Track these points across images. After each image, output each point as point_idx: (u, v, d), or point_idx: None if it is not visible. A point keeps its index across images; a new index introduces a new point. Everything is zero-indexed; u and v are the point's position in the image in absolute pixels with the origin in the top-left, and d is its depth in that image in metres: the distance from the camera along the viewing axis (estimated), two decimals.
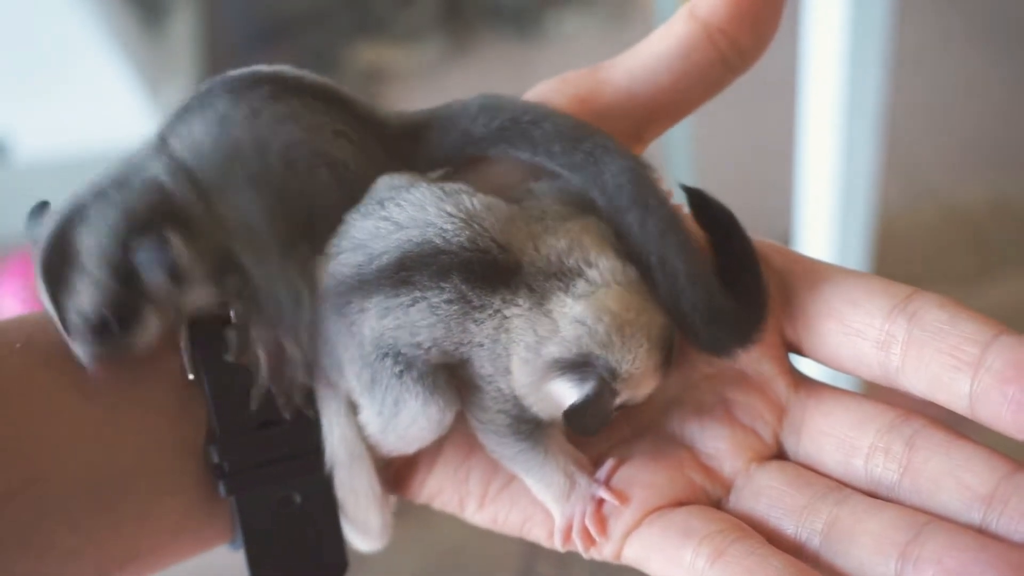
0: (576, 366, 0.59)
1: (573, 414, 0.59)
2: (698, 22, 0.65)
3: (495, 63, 2.58)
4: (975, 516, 0.55)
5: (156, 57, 2.34)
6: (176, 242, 0.60)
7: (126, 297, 0.60)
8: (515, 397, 0.61)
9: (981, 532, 0.55)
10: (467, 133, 0.66)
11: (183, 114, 0.64)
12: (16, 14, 2.15)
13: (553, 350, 0.59)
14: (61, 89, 2.22)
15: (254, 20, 2.64)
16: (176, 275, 0.60)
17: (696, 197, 0.65)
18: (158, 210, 0.60)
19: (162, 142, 0.63)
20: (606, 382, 0.59)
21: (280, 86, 0.65)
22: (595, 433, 0.61)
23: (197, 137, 0.62)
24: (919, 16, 2.39)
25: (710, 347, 0.62)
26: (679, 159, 1.62)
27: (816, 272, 0.62)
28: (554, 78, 0.68)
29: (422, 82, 2.53)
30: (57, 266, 0.60)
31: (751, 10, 0.64)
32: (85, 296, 0.60)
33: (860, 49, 1.26)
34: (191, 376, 0.64)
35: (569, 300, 0.59)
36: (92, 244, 0.60)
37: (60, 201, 0.62)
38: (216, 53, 2.54)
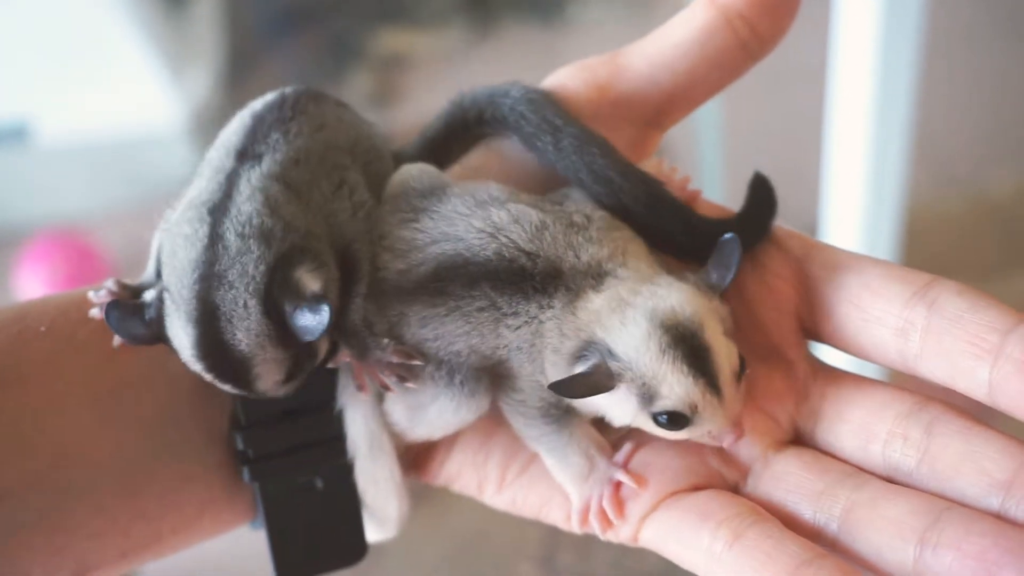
0: (581, 351, 0.60)
1: (555, 385, 0.59)
2: (717, 8, 0.65)
3: (518, 50, 2.57)
4: (993, 502, 0.56)
5: (179, 42, 2.34)
6: (312, 279, 0.60)
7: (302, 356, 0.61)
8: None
9: (999, 518, 0.55)
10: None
11: (260, 128, 0.64)
12: None
13: (570, 345, 0.60)
14: (83, 73, 2.23)
15: (277, 6, 2.64)
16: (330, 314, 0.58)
17: (760, 180, 0.67)
18: (285, 255, 0.59)
19: (244, 158, 0.62)
20: (602, 362, 0.59)
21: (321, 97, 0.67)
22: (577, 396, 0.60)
23: (287, 145, 0.63)
24: (946, 7, 2.38)
25: (662, 235, 0.64)
26: (709, 149, 1.62)
27: (835, 259, 0.63)
28: (573, 64, 0.69)
29: (445, 69, 2.53)
30: (217, 349, 0.59)
31: None
32: (272, 376, 0.60)
33: (892, 39, 1.26)
34: None
35: (593, 295, 0.60)
36: (237, 309, 0.58)
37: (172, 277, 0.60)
38: (239, 38, 2.55)
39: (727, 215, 0.66)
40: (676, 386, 0.58)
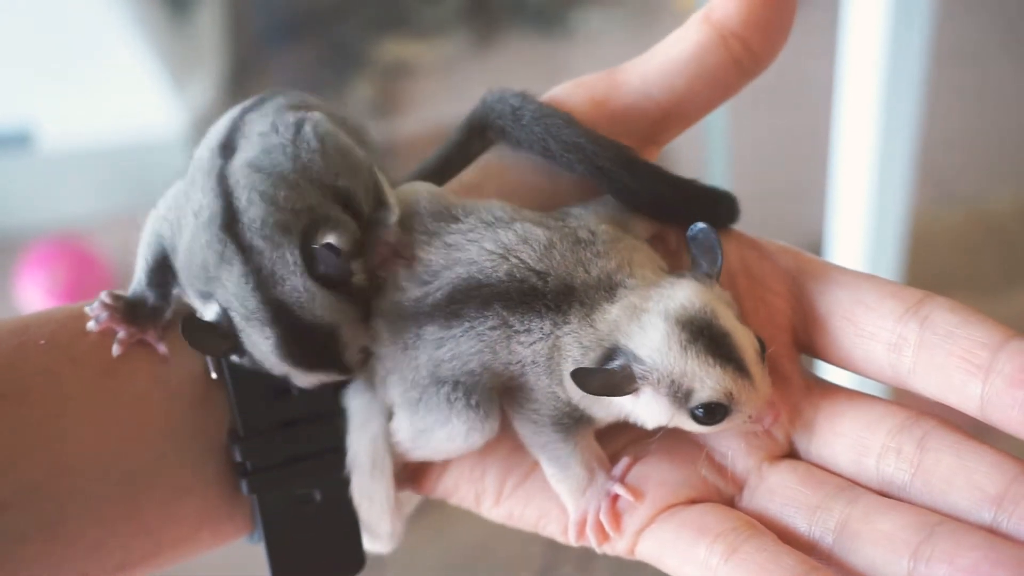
0: (606, 359, 0.61)
1: (576, 372, 0.60)
2: (712, 26, 0.66)
3: (519, 59, 2.58)
4: (985, 516, 0.56)
5: (181, 49, 2.35)
6: (331, 237, 0.63)
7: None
8: (570, 400, 0.63)
9: (991, 532, 0.56)
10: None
11: (240, 119, 0.66)
12: (43, 4, 2.16)
13: (593, 356, 0.61)
14: (86, 79, 2.23)
15: (279, 13, 2.65)
16: (347, 256, 0.63)
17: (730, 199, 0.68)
18: (304, 232, 0.62)
19: (225, 151, 0.65)
20: (627, 364, 0.60)
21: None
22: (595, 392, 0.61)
23: (258, 122, 0.65)
24: (948, 23, 2.39)
25: (645, 196, 0.66)
26: (716, 164, 1.63)
27: (828, 274, 0.63)
28: (570, 81, 0.69)
29: (446, 77, 2.53)
30: (301, 339, 0.62)
31: (764, 14, 0.65)
32: (357, 342, 0.64)
33: (898, 57, 1.26)
34: (214, 376, 0.66)
35: (608, 306, 0.61)
36: (300, 293, 0.62)
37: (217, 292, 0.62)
38: (241, 46, 2.56)
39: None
40: (707, 379, 0.59)
